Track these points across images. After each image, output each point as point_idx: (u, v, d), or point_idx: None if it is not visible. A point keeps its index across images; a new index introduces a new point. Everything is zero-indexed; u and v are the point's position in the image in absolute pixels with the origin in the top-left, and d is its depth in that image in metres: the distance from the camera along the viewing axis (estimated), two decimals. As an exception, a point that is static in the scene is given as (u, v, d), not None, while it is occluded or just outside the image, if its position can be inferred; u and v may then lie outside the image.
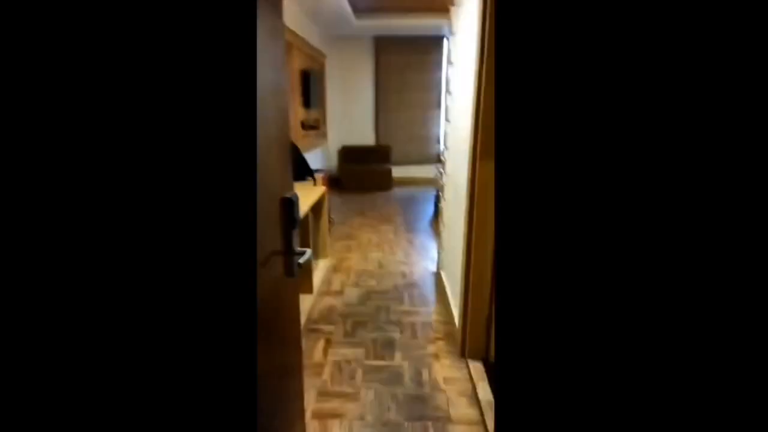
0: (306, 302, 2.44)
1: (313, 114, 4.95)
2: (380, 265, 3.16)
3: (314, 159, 5.08)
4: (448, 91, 2.54)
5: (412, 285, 2.81)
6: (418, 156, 6.48)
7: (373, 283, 2.85)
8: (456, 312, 2.20)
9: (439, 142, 6.45)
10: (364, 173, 5.94)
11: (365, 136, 6.42)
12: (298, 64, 4.06)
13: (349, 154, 6.32)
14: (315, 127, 4.90)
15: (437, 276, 2.88)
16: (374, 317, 2.38)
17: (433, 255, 3.34)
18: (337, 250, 3.49)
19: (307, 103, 4.41)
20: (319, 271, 2.90)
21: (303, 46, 4.24)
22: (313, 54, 4.81)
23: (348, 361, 1.97)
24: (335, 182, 6.19)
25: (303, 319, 2.25)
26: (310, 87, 4.47)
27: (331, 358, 2.00)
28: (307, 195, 2.59)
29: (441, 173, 2.85)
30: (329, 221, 4.04)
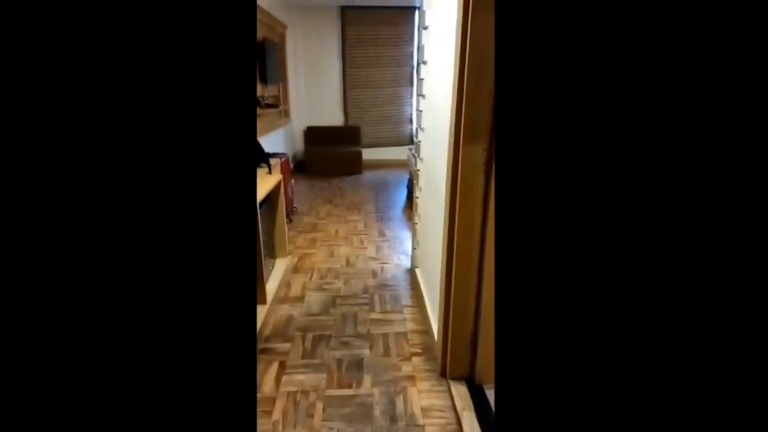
0: (257, 315, 2.05)
1: (272, 90, 4.43)
2: (348, 263, 2.80)
3: (275, 141, 4.59)
4: (421, 61, 2.15)
5: (384, 286, 2.47)
6: (389, 137, 6.08)
7: (339, 285, 2.49)
8: (434, 319, 1.88)
9: (411, 122, 6.06)
10: (331, 156, 5.48)
11: (333, 116, 5.94)
12: (250, 31, 3.53)
13: (315, 136, 5.83)
14: (274, 105, 4.40)
15: (412, 274, 2.54)
16: (339, 329, 2.03)
17: (407, 249, 3.01)
18: (299, 246, 3.09)
19: (263, 78, 3.90)
20: (276, 273, 2.51)
21: (257, 13, 3.70)
22: (270, 23, 4.27)
23: (305, 392, 1.62)
24: (300, 166, 5.72)
25: (253, 336, 1.87)
26: (267, 60, 3.96)
27: (284, 388, 1.64)
28: (258, 185, 2.17)
29: (414, 158, 2.48)
30: (291, 211, 3.62)
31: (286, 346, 1.90)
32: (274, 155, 3.35)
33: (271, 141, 4.35)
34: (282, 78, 4.94)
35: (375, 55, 5.73)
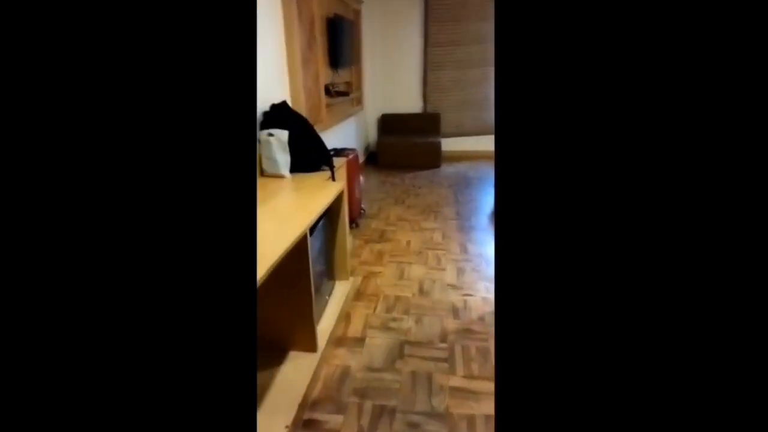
0: (304, 368, 1.62)
1: (343, 76, 3.98)
2: (421, 290, 2.26)
3: (346, 134, 4.16)
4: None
5: (467, 332, 1.90)
6: (473, 125, 5.34)
7: (409, 324, 1.97)
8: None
9: (500, 108, 5.25)
10: (406, 147, 4.93)
11: (410, 102, 5.36)
12: (319, 9, 3.08)
13: (389, 125, 5.32)
14: (345, 93, 3.94)
15: (505, 317, 1.94)
16: (408, 398, 1.52)
17: (497, 274, 2.38)
18: (364, 261, 2.63)
19: (335, 61, 3.45)
20: (335, 300, 2.06)
21: (327, -15, 3.24)
22: (344, -3, 3.79)
23: None
24: (371, 157, 5.27)
25: (296, 401, 1.43)
26: (339, 40, 3.49)
27: (327, 501, 1.18)
28: (314, 197, 1.71)
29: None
30: (357, 215, 3.16)
31: (337, 419, 1.44)
32: (341, 152, 2.89)
33: (340, 134, 3.92)
34: (356, 61, 4.46)
35: (461, 31, 4.99)
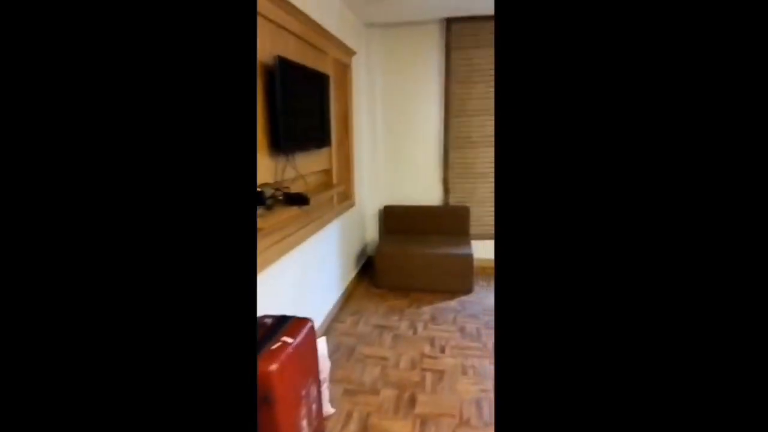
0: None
1: (312, 163, 2.36)
2: None
3: (310, 259, 2.48)
4: None
5: None
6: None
7: None
8: None
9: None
10: (419, 260, 3.19)
11: (425, 190, 3.73)
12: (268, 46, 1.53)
13: (394, 221, 3.66)
14: (301, 199, 2.23)
15: None
16: None
17: None
18: None
19: (285, 142, 1.86)
20: None
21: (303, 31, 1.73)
22: (335, 50, 2.30)
23: None
24: (368, 267, 3.54)
25: None
26: (298, 104, 1.94)
27: None
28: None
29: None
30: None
31: None
32: (271, 332, 1.15)
33: (295, 263, 2.23)
34: (341, 133, 2.91)
35: (492, 95, 3.46)
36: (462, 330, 2.59)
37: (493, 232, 3.61)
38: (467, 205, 3.58)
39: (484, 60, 3.40)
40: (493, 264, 3.61)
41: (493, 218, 3.60)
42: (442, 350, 2.36)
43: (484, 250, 3.58)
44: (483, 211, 3.61)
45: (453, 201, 3.66)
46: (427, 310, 2.88)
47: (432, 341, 2.46)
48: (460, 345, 2.41)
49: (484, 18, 3.29)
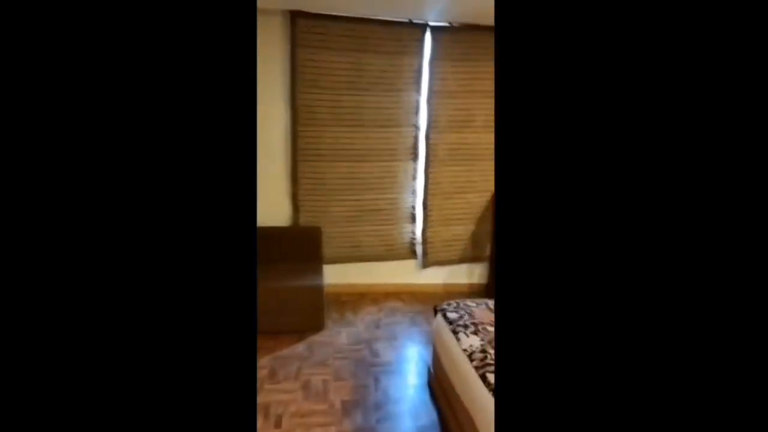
0: None
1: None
2: None
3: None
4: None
5: None
6: (376, 246, 3.39)
7: None
8: None
9: (414, 219, 3.45)
10: (259, 296, 2.67)
11: (273, 207, 3.20)
12: None
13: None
14: None
15: None
16: None
17: None
18: None
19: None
20: None
21: None
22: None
23: None
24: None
25: None
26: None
27: None
28: None
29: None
30: None
31: None
32: None
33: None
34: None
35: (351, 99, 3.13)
36: (306, 387, 2.19)
37: (347, 254, 3.30)
38: (318, 225, 3.19)
39: (334, 64, 3.02)
40: (347, 290, 3.32)
41: (347, 239, 3.29)
42: (278, 423, 1.92)
43: (336, 274, 3.24)
44: (336, 231, 3.27)
45: (303, 220, 3.22)
46: (265, 363, 2.40)
47: (266, 410, 2.00)
48: (301, 410, 2.01)
49: (330, 17, 2.90)
